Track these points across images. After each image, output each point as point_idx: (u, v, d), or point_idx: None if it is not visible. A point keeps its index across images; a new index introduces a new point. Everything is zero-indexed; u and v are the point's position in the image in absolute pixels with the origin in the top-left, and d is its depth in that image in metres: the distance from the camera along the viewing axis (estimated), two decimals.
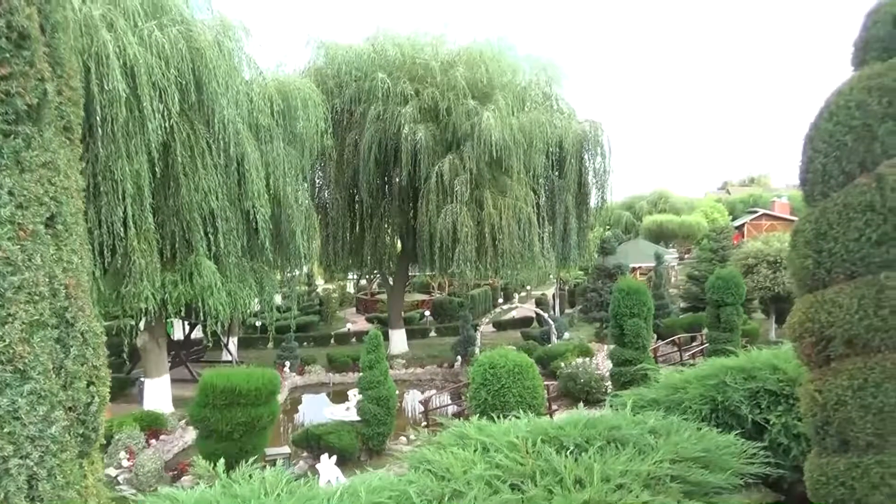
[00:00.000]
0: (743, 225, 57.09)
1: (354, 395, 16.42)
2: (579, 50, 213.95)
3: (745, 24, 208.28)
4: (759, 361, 6.41)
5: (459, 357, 25.60)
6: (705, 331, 20.94)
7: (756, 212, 61.24)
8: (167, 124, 14.45)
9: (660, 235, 57.92)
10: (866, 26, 3.63)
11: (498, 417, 6.15)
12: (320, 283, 44.58)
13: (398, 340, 28.82)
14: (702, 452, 4.99)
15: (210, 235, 15.97)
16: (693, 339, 25.29)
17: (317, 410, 19.70)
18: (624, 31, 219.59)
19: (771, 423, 5.75)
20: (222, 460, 5.41)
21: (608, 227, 51.86)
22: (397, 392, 15.82)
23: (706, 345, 19.52)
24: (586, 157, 26.75)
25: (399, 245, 29.12)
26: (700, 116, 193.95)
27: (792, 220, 51.74)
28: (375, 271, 31.17)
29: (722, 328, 18.03)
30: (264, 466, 5.30)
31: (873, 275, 3.45)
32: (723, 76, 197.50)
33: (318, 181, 27.81)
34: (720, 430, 5.65)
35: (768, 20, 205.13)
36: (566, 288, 42.62)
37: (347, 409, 17.02)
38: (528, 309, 35.81)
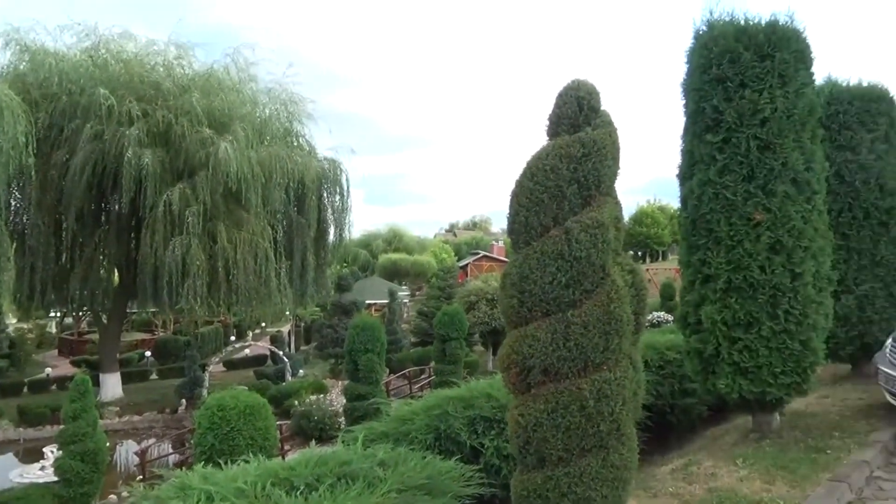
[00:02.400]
0: (467, 265, 62.40)
1: (52, 451, 14.25)
2: (319, 83, 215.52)
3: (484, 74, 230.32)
4: (476, 391, 7.02)
5: (184, 401, 23.79)
6: (433, 364, 22.30)
7: (478, 253, 67.62)
8: None
9: (394, 273, 60.67)
10: (559, 105, 4.36)
11: (226, 463, 5.83)
12: (12, 322, 37.97)
13: (111, 385, 25.67)
14: (426, 479, 5.29)
15: None
16: (422, 371, 26.73)
17: (1, 474, 16.65)
18: (369, 65, 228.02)
19: (485, 446, 6.32)
20: None
21: (346, 264, 52.92)
22: (108, 444, 14.10)
23: (433, 377, 20.77)
24: (325, 194, 27.15)
25: (117, 279, 26.21)
26: (434, 157, 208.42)
27: (506, 262, 58.19)
28: (86, 308, 27.53)
29: (447, 361, 19.34)
30: None
31: (563, 313, 4.08)
32: (454, 121, 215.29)
33: (14, 203, 23.88)
34: (443, 456, 6.06)
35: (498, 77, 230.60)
36: (302, 324, 42.21)
37: (42, 468, 14.77)
38: (263, 346, 34.65)
